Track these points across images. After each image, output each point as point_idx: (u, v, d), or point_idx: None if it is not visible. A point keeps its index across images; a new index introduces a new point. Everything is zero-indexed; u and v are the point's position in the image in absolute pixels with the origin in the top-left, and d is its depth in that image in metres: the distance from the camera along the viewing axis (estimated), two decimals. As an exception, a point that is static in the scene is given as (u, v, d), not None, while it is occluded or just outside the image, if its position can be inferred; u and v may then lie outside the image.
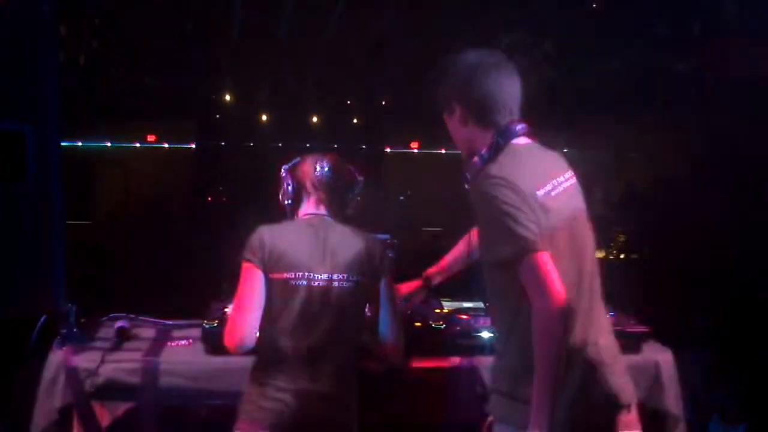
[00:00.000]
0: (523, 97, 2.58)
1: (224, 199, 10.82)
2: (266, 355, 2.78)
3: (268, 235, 2.77)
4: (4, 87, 3.41)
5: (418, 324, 3.39)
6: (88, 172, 11.57)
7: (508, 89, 2.54)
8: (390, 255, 3.34)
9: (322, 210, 2.89)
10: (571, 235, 2.47)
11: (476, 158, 2.51)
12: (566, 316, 2.31)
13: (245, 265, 2.76)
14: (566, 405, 2.38)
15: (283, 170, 2.97)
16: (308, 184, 2.90)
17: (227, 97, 10.92)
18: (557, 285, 2.30)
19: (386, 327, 2.87)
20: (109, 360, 3.14)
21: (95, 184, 11.72)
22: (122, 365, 3.13)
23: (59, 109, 3.50)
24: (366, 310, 2.91)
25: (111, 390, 3.09)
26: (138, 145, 11.74)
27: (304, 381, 2.71)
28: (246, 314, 2.73)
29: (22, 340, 3.29)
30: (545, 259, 2.33)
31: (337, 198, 2.91)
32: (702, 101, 7.47)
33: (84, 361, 3.12)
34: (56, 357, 3.12)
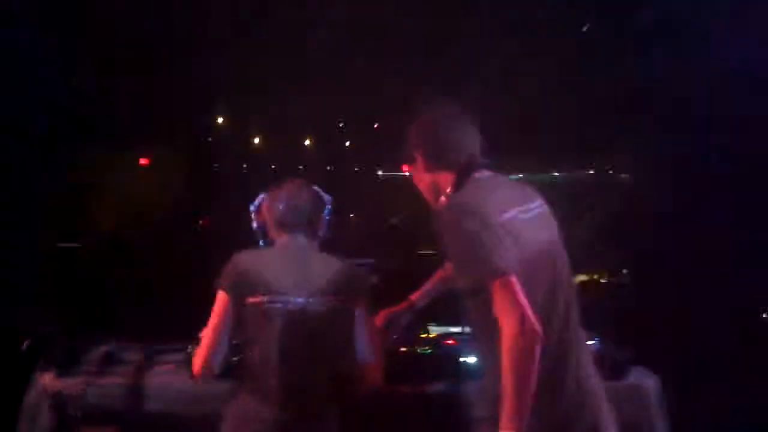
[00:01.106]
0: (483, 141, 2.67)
1: (215, 223, 10.84)
2: (244, 380, 2.78)
3: (243, 261, 2.79)
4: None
5: (403, 349, 3.39)
6: (79, 194, 11.55)
7: (466, 135, 2.65)
8: (370, 279, 3.36)
9: (296, 239, 2.89)
10: (542, 263, 2.48)
11: (443, 197, 2.61)
12: (535, 339, 2.29)
13: (217, 292, 2.78)
14: None
15: (250, 210, 3.00)
16: (272, 223, 2.92)
17: (220, 120, 10.95)
18: (526, 308, 2.30)
19: (364, 350, 2.86)
20: (94, 384, 3.14)
21: (87, 206, 11.69)
22: (107, 390, 3.13)
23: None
24: (343, 334, 2.89)
25: (96, 414, 3.09)
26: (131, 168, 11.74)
27: (280, 407, 2.70)
28: (210, 341, 2.74)
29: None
30: (513, 282, 2.33)
31: (303, 227, 2.91)
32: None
33: (69, 385, 3.11)
34: (40, 381, 3.11)
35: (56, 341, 3.28)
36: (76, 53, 7.71)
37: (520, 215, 2.49)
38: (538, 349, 2.29)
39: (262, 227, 2.96)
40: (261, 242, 2.97)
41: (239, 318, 2.75)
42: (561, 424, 2.44)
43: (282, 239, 2.90)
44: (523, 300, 2.31)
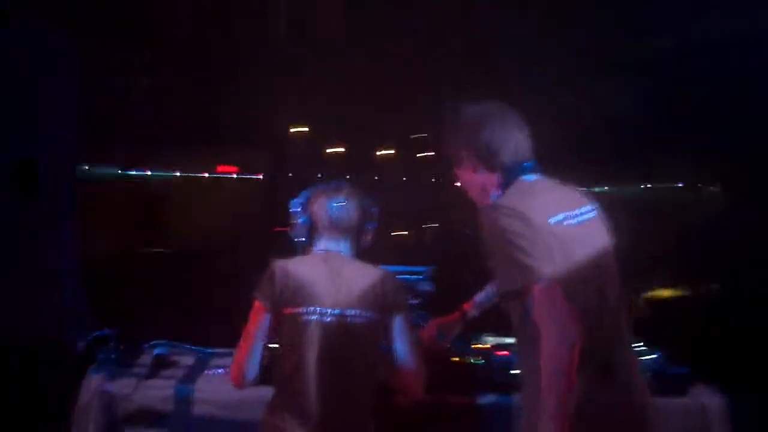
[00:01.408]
0: (534, 142, 2.60)
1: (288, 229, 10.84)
2: (279, 390, 2.76)
3: (280, 271, 2.76)
4: (15, 114, 3.52)
5: (455, 359, 3.34)
6: (158, 201, 11.78)
7: (514, 135, 2.57)
8: (427, 288, 3.31)
9: (337, 246, 2.86)
10: (590, 270, 2.41)
11: (489, 200, 2.54)
12: (574, 348, 2.24)
13: (254, 302, 2.76)
14: None
15: (293, 205, 2.93)
16: (321, 222, 2.86)
17: (297, 129, 11.01)
18: (566, 316, 2.25)
19: (404, 360, 2.81)
20: (143, 386, 3.17)
21: (165, 213, 11.91)
22: (156, 392, 3.15)
23: (74, 136, 3.60)
24: (381, 345, 2.84)
25: (144, 417, 3.11)
26: (207, 174, 11.90)
27: (315, 418, 2.67)
28: (245, 351, 2.74)
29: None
30: (554, 289, 2.28)
31: (352, 233, 2.87)
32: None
33: (119, 387, 3.14)
34: (91, 382, 3.15)
35: (110, 343, 3.31)
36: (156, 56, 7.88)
37: (567, 220, 2.43)
38: (576, 358, 2.23)
39: (308, 224, 2.89)
40: (298, 240, 2.91)
41: (275, 327, 2.74)
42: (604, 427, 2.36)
43: (324, 244, 2.86)
44: (565, 306, 2.26)
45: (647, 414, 2.47)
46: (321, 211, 2.85)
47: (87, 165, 10.92)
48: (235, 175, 12.06)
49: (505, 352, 3.36)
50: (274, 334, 2.76)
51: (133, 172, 11.57)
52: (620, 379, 2.41)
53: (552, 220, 2.39)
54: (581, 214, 2.50)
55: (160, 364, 3.35)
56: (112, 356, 3.28)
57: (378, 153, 11.43)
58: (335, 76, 8.93)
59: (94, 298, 3.86)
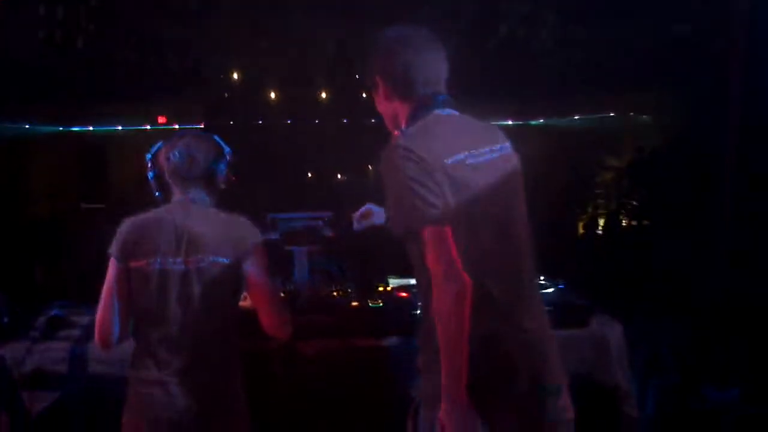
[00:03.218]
0: (451, 70, 2.51)
1: (233, 178, 10.76)
2: (137, 343, 2.73)
3: (127, 226, 2.73)
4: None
5: (355, 303, 3.33)
6: (101, 156, 11.65)
7: (431, 63, 2.49)
8: (327, 233, 3.28)
9: (188, 194, 2.79)
10: (492, 209, 2.37)
11: (397, 132, 2.46)
12: (462, 290, 2.22)
13: (109, 258, 2.72)
14: (493, 390, 2.31)
15: (146, 159, 2.87)
16: (167, 173, 2.80)
17: (235, 76, 10.85)
18: (454, 258, 2.22)
19: (262, 305, 2.76)
20: (38, 349, 3.12)
21: (109, 168, 11.78)
22: (50, 354, 3.12)
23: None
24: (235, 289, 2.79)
25: (39, 379, 3.07)
26: (149, 127, 11.74)
27: (174, 366, 2.65)
28: (104, 310, 2.69)
29: None
30: (442, 233, 2.24)
31: (201, 180, 2.79)
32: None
33: (11, 350, 3.10)
34: (-19, 347, 3.11)
35: (2, 307, 3.26)
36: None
37: (469, 159, 2.36)
38: (465, 299, 2.22)
39: (158, 178, 2.83)
40: (157, 194, 2.85)
41: (127, 281, 2.70)
42: (498, 376, 2.34)
43: (176, 194, 2.80)
44: (452, 250, 2.23)
45: (549, 349, 2.45)
46: (165, 162, 2.79)
47: (27, 124, 10.83)
48: (177, 126, 11.91)
49: (405, 294, 3.36)
50: (129, 290, 2.71)
51: (76, 129, 11.46)
52: (523, 317, 2.39)
53: (450, 161, 2.32)
54: (487, 152, 2.44)
55: (56, 326, 3.30)
56: (5, 320, 3.22)
57: (317, 97, 11.31)
58: (269, 21, 8.80)
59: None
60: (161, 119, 11.61)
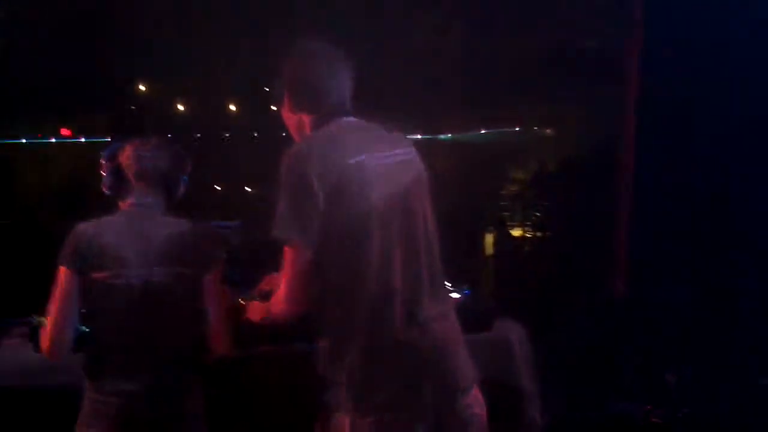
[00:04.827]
0: (358, 85, 2.57)
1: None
2: (93, 355, 2.67)
3: (82, 234, 2.65)
4: None
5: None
6: (5, 169, 11.35)
7: (335, 76, 2.54)
8: (234, 241, 3.28)
9: (147, 199, 2.75)
10: (390, 212, 2.40)
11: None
12: (287, 317, 2.45)
13: (59, 269, 2.64)
14: (401, 391, 2.35)
15: (102, 157, 2.81)
16: (130, 174, 2.74)
17: (141, 87, 10.73)
18: (300, 287, 2.36)
19: (212, 316, 2.75)
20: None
21: (14, 181, 11.48)
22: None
23: None
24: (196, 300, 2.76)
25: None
26: (54, 140, 11.48)
27: (129, 380, 2.61)
28: (57, 320, 2.63)
29: None
30: (299, 258, 2.33)
31: (162, 186, 2.77)
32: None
33: None
34: None
35: None
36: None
37: (367, 161, 2.39)
38: (281, 321, 2.47)
39: (116, 177, 2.77)
40: (107, 192, 2.79)
41: (84, 292, 2.64)
42: (408, 385, 2.38)
43: (133, 197, 2.75)
44: (300, 276, 2.34)
45: (456, 353, 2.50)
46: (127, 162, 2.74)
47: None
48: (83, 139, 11.67)
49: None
50: (83, 298, 2.65)
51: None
52: (426, 321, 2.42)
53: (350, 161, 2.36)
54: (388, 156, 2.47)
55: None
56: None
57: (227, 109, 11.26)
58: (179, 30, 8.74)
59: None
60: (65, 131, 11.41)
